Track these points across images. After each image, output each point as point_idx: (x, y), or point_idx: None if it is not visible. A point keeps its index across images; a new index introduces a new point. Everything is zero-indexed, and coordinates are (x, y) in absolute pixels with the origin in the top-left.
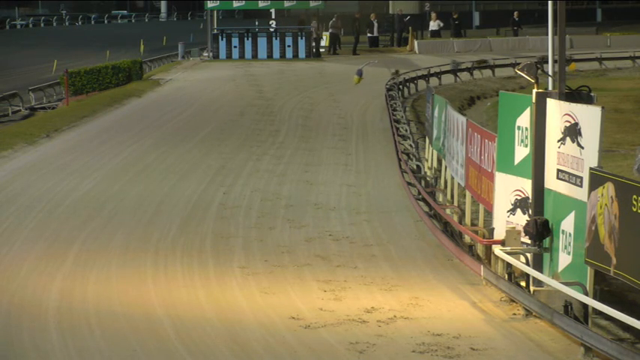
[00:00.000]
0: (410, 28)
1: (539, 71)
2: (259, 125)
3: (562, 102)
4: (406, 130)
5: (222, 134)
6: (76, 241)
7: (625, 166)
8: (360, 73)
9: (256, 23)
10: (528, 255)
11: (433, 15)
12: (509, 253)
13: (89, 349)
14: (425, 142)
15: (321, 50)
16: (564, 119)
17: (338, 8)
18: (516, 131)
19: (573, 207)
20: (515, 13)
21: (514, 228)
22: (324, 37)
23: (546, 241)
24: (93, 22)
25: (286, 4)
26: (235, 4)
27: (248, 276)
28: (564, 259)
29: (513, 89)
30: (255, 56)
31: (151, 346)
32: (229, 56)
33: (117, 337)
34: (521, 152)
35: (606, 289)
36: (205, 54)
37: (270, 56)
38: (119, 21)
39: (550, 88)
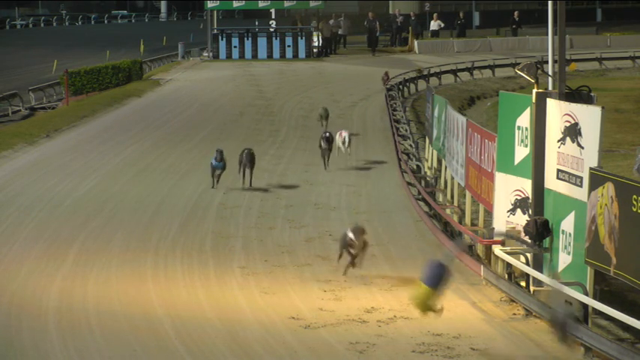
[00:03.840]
0: (410, 27)
1: (539, 71)
2: (259, 125)
3: (562, 102)
4: (406, 130)
5: (222, 134)
6: (76, 241)
7: (625, 166)
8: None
9: (256, 23)
10: (528, 255)
11: (434, 15)
12: (509, 253)
13: (89, 349)
14: (425, 142)
15: (314, 51)
16: (564, 119)
17: (338, 8)
18: (516, 131)
19: (573, 207)
20: (516, 13)
21: (514, 228)
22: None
23: (546, 241)
24: (93, 22)
25: (286, 4)
26: (235, 4)
27: (248, 276)
28: (564, 259)
29: (513, 89)
30: (255, 56)
31: (151, 346)
32: (229, 56)
33: (117, 337)
34: (521, 152)
35: (606, 289)
36: (205, 54)
37: (270, 56)
38: (119, 21)
39: (550, 88)
